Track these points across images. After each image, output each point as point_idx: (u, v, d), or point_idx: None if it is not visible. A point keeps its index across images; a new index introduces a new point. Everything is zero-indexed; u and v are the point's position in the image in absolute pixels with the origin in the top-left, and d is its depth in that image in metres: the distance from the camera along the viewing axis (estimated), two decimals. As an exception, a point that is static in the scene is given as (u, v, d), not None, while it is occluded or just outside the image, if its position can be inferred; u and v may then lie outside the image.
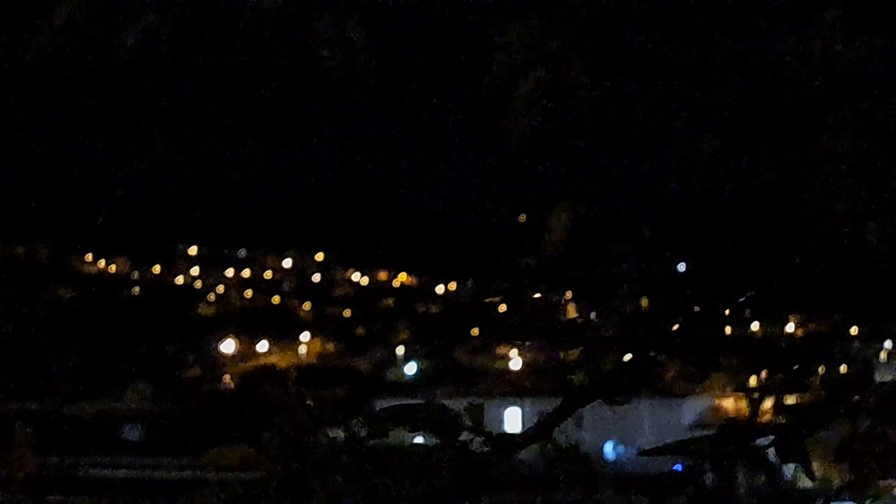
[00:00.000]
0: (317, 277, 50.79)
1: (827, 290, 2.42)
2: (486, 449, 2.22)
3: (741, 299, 2.30)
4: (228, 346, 44.90)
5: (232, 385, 42.02)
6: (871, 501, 2.09)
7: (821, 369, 2.36)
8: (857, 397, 2.11)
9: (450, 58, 2.36)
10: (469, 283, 49.35)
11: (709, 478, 2.17)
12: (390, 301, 49.90)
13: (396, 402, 2.28)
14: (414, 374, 44.44)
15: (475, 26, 2.22)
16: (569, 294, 2.42)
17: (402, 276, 50.81)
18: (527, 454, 2.24)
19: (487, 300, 2.22)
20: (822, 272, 2.32)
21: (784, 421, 2.06)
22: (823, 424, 2.04)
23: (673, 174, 2.40)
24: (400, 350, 46.15)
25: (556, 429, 2.29)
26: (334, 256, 51.16)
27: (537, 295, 2.36)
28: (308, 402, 2.24)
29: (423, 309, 49.14)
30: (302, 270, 50.88)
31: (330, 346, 47.01)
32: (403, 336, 46.95)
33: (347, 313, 48.98)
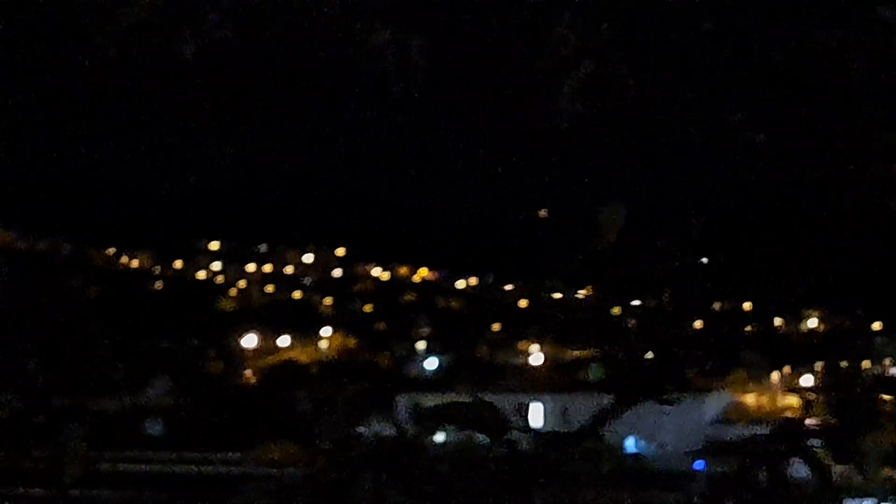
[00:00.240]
0: (338, 272, 50.82)
1: (851, 287, 2.41)
2: (532, 446, 2.22)
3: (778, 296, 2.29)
4: (250, 341, 44.98)
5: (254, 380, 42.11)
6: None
7: (865, 364, 2.35)
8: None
9: (495, 51, 2.36)
10: (490, 278, 49.33)
11: (762, 476, 2.17)
12: (411, 296, 49.90)
13: (416, 398, 2.28)
14: (435, 370, 44.44)
15: (525, 20, 2.22)
16: (587, 290, 2.42)
17: (423, 271, 50.79)
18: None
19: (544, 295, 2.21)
20: (860, 267, 2.32)
21: (836, 421, 2.05)
22: (876, 425, 2.03)
23: (715, 169, 2.40)
24: (421, 345, 46.16)
25: (577, 424, 2.29)
26: (355, 251, 51.19)
27: (582, 292, 2.36)
28: (355, 398, 2.24)
29: (444, 304, 49.12)
30: (323, 265, 50.92)
31: (351, 341, 47.04)
32: (424, 331, 46.96)
33: (368, 308, 49.00)
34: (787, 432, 2.12)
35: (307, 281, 50.01)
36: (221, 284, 48.48)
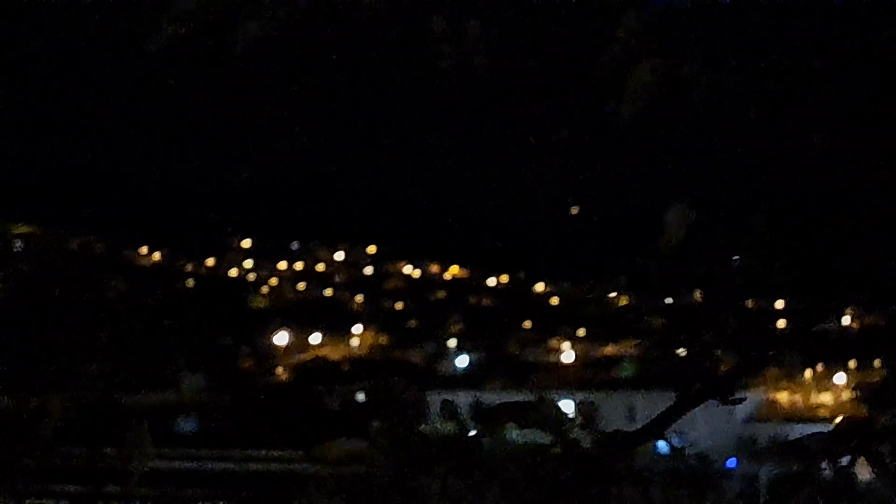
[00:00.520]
0: (369, 270, 50.87)
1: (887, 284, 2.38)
2: (595, 446, 2.20)
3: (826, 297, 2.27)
4: (281, 339, 45.08)
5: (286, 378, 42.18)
6: None
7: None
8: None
9: (553, 46, 2.34)
10: (521, 275, 49.28)
11: (826, 476, 2.15)
12: (442, 293, 49.90)
13: (445, 395, 2.27)
14: (465, 367, 44.42)
15: (590, 16, 2.20)
16: (618, 289, 2.40)
17: (454, 269, 50.78)
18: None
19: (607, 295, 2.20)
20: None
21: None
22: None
23: (775, 168, 2.38)
24: (452, 343, 46.14)
25: (606, 420, 2.27)
26: (386, 249, 51.22)
27: (611, 293, 2.34)
28: (419, 397, 2.23)
29: (475, 301, 49.10)
30: (354, 263, 50.97)
31: (382, 339, 47.07)
32: (455, 329, 46.94)
33: (399, 306, 49.03)
34: (852, 431, 2.10)
35: (338, 278, 50.08)
36: (253, 282, 48.60)
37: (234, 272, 48.88)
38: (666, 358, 2.27)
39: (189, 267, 48.03)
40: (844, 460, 2.18)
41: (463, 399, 2.34)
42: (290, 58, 2.23)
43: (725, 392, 2.22)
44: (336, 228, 49.79)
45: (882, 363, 2.33)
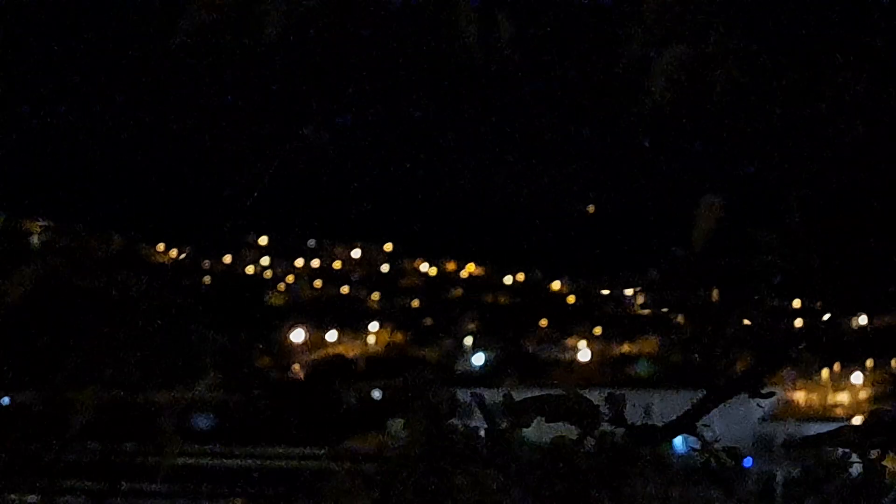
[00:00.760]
0: (385, 268, 50.92)
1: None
2: (625, 440, 2.20)
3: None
4: (298, 336, 45.15)
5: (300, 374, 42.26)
6: None
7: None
8: None
9: (575, 36, 2.34)
10: (537, 272, 49.25)
11: (856, 469, 2.14)
12: (458, 291, 49.92)
13: (508, 390, 2.27)
14: (482, 365, 44.43)
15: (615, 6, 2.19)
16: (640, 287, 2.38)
17: (471, 267, 50.80)
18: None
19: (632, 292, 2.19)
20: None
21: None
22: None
23: (808, 162, 2.37)
24: (468, 340, 46.17)
25: (628, 415, 2.26)
26: (403, 246, 51.26)
27: (630, 292, 2.33)
28: (449, 391, 2.23)
29: (492, 299, 49.11)
30: (371, 260, 51.02)
31: (398, 337, 47.11)
32: (472, 326, 46.96)
33: (415, 304, 49.07)
34: (882, 424, 2.09)
35: (355, 276, 50.13)
36: (270, 279, 48.69)
37: (250, 269, 48.97)
38: (692, 354, 2.27)
39: (206, 264, 48.12)
40: (873, 453, 2.18)
41: (522, 393, 2.33)
42: (311, 53, 2.23)
43: (755, 387, 2.22)
44: (352, 226, 49.85)
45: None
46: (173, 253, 47.15)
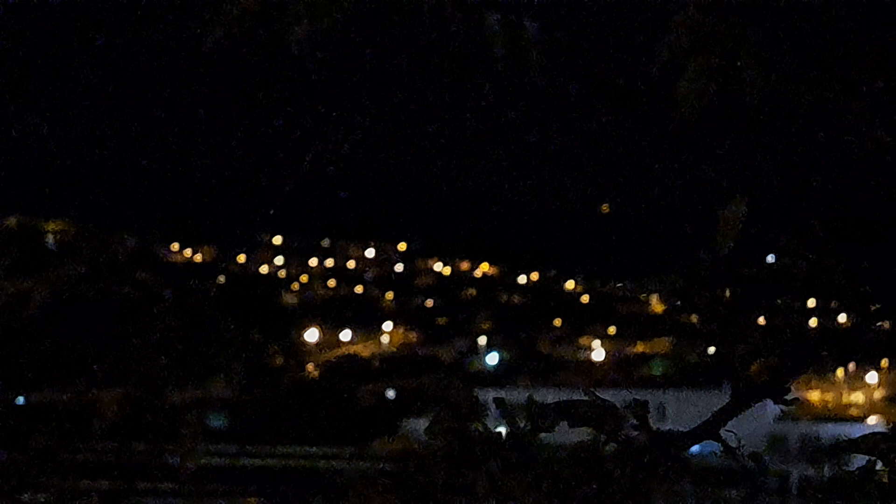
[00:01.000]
0: (399, 267, 50.93)
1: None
2: (648, 444, 2.19)
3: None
4: (312, 336, 45.18)
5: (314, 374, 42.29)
6: None
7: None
8: None
9: (605, 40, 2.33)
10: (552, 272, 49.23)
11: (881, 476, 2.12)
12: (472, 291, 49.92)
13: (529, 393, 2.25)
14: (496, 365, 44.42)
15: (643, 10, 2.18)
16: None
17: (485, 266, 50.79)
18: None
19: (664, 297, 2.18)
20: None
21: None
22: None
23: (833, 167, 2.35)
24: (482, 340, 46.16)
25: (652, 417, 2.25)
26: (416, 246, 51.26)
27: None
28: (471, 393, 2.22)
29: (506, 299, 49.10)
30: (385, 260, 51.04)
31: (412, 336, 47.12)
32: (485, 326, 46.95)
33: (430, 303, 49.07)
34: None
35: (368, 275, 50.14)
36: (283, 279, 48.73)
37: (264, 269, 49.01)
38: (716, 358, 2.25)
39: (220, 263, 48.16)
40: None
41: (492, 395, 2.33)
42: (335, 56, 2.22)
43: (780, 392, 2.20)
44: (366, 225, 49.87)
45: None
46: (187, 253, 47.24)
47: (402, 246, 51.17)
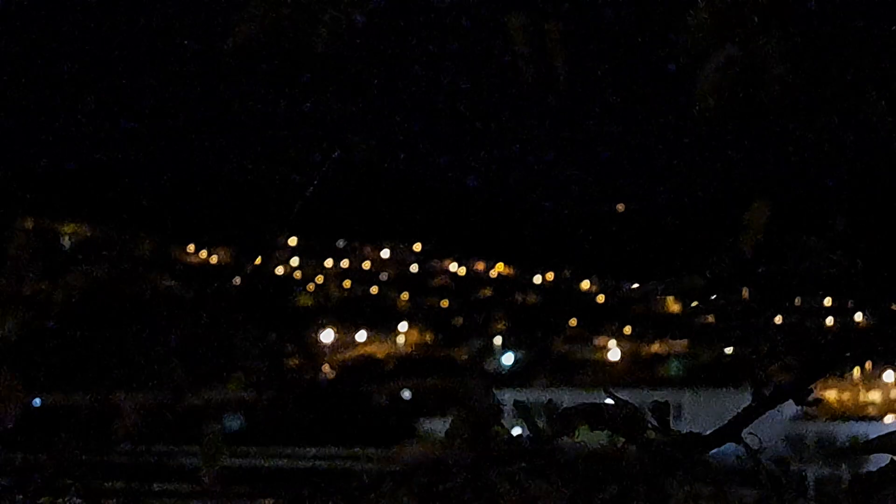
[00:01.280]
0: (414, 267, 50.91)
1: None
2: (670, 448, 2.18)
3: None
4: (327, 336, 45.19)
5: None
6: None
7: None
8: None
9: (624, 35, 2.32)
10: (567, 272, 49.19)
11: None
12: (488, 291, 49.89)
13: (550, 395, 2.25)
14: (511, 365, 44.38)
15: (665, 10, 2.17)
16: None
17: (500, 266, 50.75)
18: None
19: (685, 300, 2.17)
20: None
21: None
22: None
23: (857, 165, 2.34)
24: (497, 340, 46.13)
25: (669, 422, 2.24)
26: (432, 246, 51.24)
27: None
28: (492, 397, 2.21)
29: (521, 299, 49.06)
30: (400, 260, 51.03)
31: (427, 336, 47.11)
32: (501, 326, 46.91)
33: (445, 303, 49.05)
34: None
35: (384, 276, 50.14)
36: (299, 279, 48.74)
37: (280, 270, 49.04)
38: (739, 360, 2.25)
39: (237, 265, 48.18)
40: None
41: (508, 396, 2.33)
42: (356, 58, 2.22)
43: (803, 394, 2.19)
44: (381, 226, 49.86)
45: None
46: (203, 254, 47.28)
47: (417, 246, 51.16)
